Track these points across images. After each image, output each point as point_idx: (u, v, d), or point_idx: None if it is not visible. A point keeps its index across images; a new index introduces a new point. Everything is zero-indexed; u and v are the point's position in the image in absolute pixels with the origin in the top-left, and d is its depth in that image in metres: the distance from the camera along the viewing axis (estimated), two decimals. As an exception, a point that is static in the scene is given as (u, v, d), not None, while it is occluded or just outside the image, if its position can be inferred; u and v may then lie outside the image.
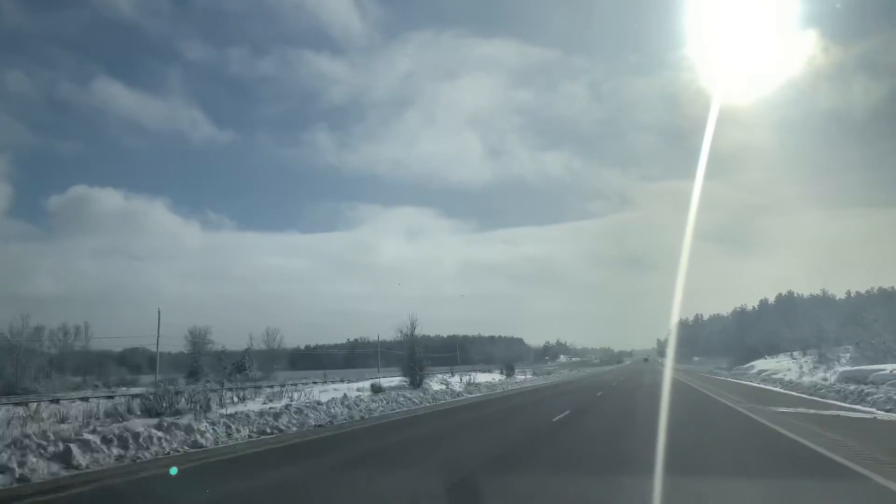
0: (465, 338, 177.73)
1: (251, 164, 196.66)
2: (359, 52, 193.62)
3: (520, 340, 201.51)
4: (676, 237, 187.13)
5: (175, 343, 70.52)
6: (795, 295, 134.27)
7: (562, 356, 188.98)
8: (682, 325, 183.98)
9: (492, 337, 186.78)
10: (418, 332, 40.93)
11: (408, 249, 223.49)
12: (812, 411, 19.06)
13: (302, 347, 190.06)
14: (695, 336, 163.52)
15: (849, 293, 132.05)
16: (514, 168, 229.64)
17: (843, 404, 21.30)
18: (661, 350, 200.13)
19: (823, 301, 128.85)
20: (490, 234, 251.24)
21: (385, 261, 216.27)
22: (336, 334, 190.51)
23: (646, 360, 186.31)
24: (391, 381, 36.73)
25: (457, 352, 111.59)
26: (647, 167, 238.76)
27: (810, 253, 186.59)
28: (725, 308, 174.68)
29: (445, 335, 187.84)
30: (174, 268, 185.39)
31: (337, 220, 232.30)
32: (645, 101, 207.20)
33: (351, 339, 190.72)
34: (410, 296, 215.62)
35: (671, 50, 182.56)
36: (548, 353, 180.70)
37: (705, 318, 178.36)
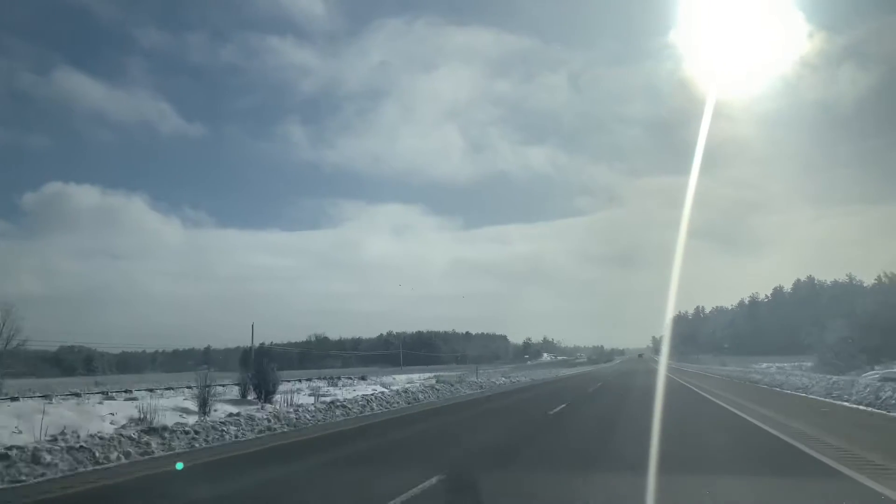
0: (436, 334, 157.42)
1: (226, 160, 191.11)
2: (326, 38, 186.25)
3: (503, 337, 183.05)
4: (666, 234, 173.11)
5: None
6: (816, 282, 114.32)
7: (545, 354, 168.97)
8: (681, 319, 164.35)
9: (467, 333, 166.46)
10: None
11: (395, 247, 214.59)
12: None
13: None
14: (696, 331, 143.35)
15: (879, 278, 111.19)
16: (498, 163, 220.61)
17: None
18: (656, 348, 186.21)
19: (850, 288, 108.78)
20: (477, 232, 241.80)
21: (372, 259, 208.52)
22: (301, 333, 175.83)
23: (640, 356, 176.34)
24: None
25: (399, 350, 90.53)
26: (632, 162, 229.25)
27: (801, 249, 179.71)
28: (720, 302, 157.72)
29: (425, 331, 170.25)
30: (155, 266, 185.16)
31: (320, 217, 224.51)
32: (627, 93, 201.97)
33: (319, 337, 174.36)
34: (399, 294, 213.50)
35: (652, 38, 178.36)
36: (528, 350, 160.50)
37: (707, 311, 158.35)
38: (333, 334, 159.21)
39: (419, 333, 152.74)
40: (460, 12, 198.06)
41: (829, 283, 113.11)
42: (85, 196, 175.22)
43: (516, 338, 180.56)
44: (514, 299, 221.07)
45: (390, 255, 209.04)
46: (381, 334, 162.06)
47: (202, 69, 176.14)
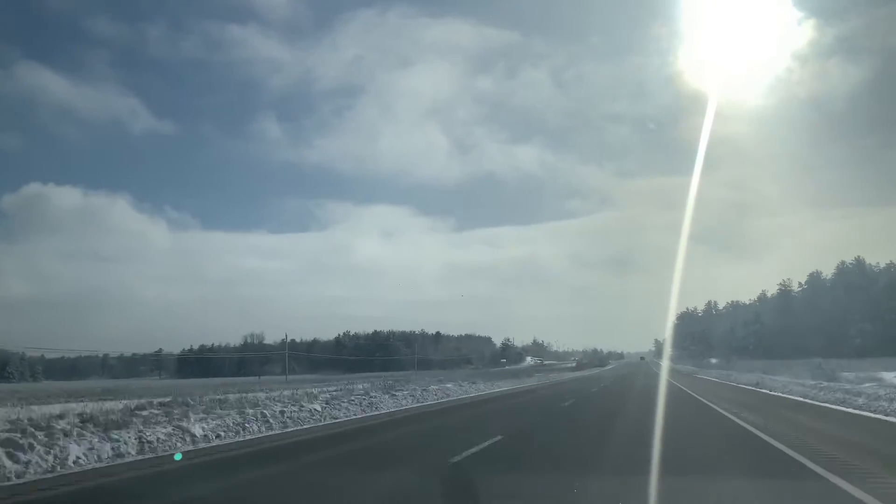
0: (397, 335, 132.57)
1: (204, 159, 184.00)
2: (291, 29, 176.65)
3: (486, 339, 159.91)
4: (662, 236, 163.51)
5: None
6: (867, 264, 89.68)
7: (528, 358, 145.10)
8: (689, 317, 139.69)
9: (438, 334, 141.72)
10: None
11: (385, 249, 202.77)
12: None
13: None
14: (708, 330, 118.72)
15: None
16: (485, 163, 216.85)
17: None
18: (659, 350, 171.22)
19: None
20: (469, 234, 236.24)
21: (361, 261, 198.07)
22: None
23: (642, 358, 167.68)
24: None
25: (286, 350, 67.27)
26: (622, 162, 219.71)
27: (797, 250, 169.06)
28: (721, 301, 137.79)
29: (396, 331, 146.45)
30: (136, 269, 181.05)
31: (307, 219, 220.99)
32: (612, 90, 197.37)
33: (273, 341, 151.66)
34: (391, 297, 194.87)
35: (636, 31, 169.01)
36: (506, 353, 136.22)
37: (721, 306, 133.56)
38: (318, 336, 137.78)
39: (375, 333, 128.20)
40: (434, 3, 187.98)
41: (881, 266, 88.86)
42: (66, 198, 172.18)
43: (507, 340, 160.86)
44: (509, 303, 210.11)
45: (380, 257, 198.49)
46: (338, 335, 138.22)
47: (167, 63, 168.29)
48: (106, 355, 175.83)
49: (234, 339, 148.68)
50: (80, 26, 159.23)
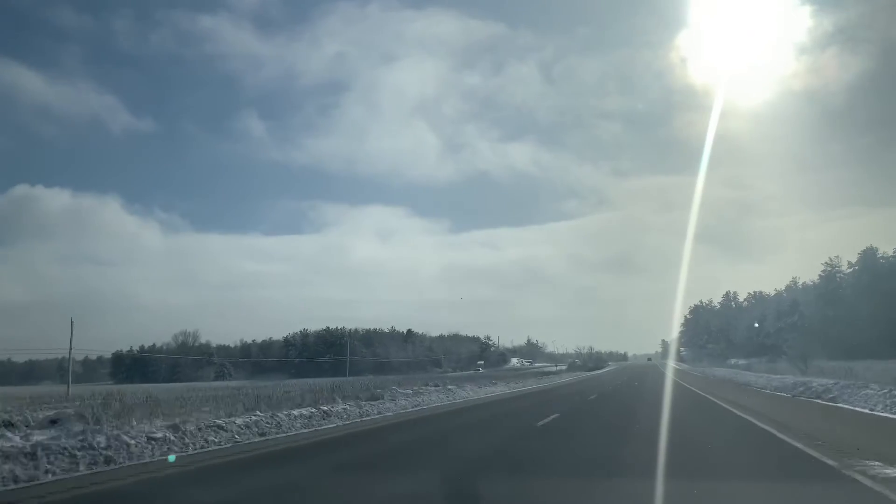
0: (352, 332, 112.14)
1: (188, 159, 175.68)
2: (264, 20, 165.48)
3: (473, 340, 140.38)
4: (662, 237, 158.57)
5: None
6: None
7: (514, 360, 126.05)
8: (704, 311, 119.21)
9: (409, 332, 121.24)
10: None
11: (380, 251, 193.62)
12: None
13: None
14: (728, 326, 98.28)
15: None
16: (478, 163, 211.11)
17: None
18: (666, 351, 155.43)
19: None
20: (465, 236, 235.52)
21: (357, 263, 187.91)
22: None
23: (649, 359, 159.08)
24: None
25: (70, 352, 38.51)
26: (617, 161, 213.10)
27: (798, 252, 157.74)
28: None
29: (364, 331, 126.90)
30: (131, 271, 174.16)
31: (301, 220, 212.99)
32: (603, 85, 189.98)
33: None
34: (387, 299, 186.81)
35: (623, 20, 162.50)
36: (485, 355, 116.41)
37: (741, 299, 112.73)
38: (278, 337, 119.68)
39: (326, 331, 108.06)
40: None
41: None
42: (55, 199, 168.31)
43: (505, 342, 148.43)
44: (507, 305, 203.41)
45: (375, 258, 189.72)
46: (286, 335, 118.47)
47: (140, 58, 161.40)
48: (63, 358, 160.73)
49: (166, 339, 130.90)
50: (48, 20, 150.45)
